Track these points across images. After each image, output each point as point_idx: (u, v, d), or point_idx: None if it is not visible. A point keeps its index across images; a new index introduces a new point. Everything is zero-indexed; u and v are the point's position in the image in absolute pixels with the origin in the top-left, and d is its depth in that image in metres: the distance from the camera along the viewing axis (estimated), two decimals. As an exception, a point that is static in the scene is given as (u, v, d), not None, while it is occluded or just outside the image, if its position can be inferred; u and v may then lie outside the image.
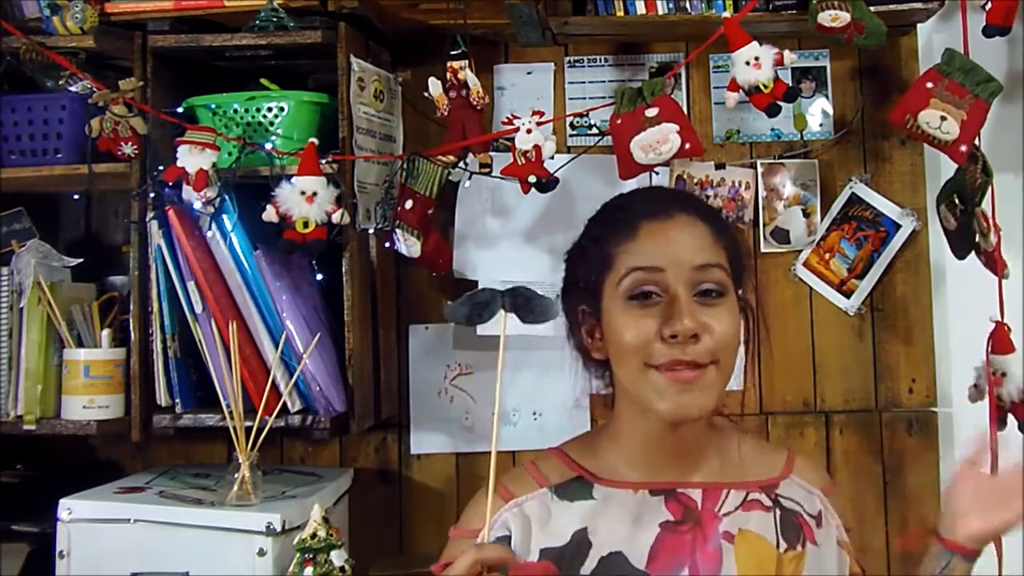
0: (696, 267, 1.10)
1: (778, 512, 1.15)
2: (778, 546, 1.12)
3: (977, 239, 1.65)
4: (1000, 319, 1.66)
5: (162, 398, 1.68)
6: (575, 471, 1.18)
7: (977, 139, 1.65)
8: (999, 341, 1.65)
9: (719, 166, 1.92)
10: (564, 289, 1.23)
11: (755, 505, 1.15)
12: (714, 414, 1.21)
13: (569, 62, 1.96)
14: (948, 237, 1.72)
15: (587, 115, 1.91)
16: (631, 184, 1.74)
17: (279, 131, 1.67)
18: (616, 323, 1.12)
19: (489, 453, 1.04)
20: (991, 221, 1.65)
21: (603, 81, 1.96)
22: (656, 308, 1.10)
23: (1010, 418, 1.66)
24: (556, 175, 1.63)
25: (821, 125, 1.94)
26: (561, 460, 1.20)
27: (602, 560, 1.12)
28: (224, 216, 1.64)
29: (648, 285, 1.11)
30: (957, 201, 1.67)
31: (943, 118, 1.61)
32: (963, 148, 1.62)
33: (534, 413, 1.92)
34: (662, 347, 1.08)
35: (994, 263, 1.65)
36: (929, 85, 1.64)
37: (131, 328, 1.68)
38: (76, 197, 1.91)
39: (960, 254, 1.68)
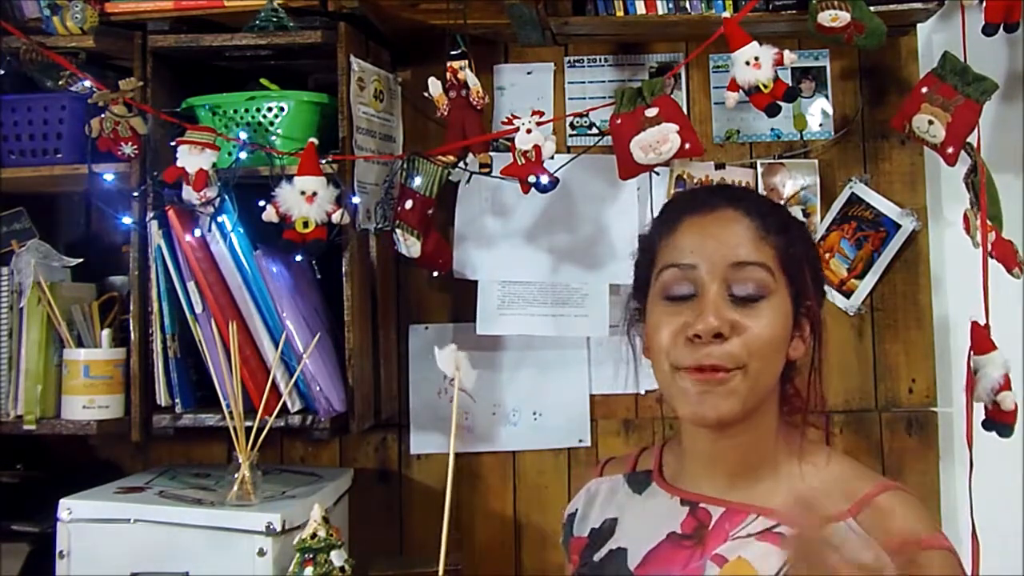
0: (732, 264, 1.04)
1: None
2: None
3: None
4: (986, 318, 1.64)
5: (162, 398, 1.68)
6: (651, 465, 1.19)
7: (976, 138, 1.65)
8: (978, 341, 1.64)
9: (719, 166, 1.92)
10: (632, 287, 1.19)
11: (774, 538, 1.03)
12: (805, 424, 1.12)
13: (569, 62, 1.96)
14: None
15: (587, 115, 1.91)
16: (632, 184, 1.74)
17: (279, 131, 1.67)
18: (651, 322, 1.08)
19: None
20: (970, 220, 1.66)
21: (603, 81, 1.95)
22: (687, 306, 1.05)
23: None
24: (556, 175, 1.63)
25: (821, 125, 1.94)
26: (654, 452, 1.21)
27: (611, 552, 1.13)
28: (224, 216, 1.64)
29: (681, 283, 1.06)
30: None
31: (930, 122, 1.64)
32: (950, 150, 1.64)
33: (534, 413, 1.92)
34: (686, 349, 1.03)
35: (1005, 261, 1.65)
36: (924, 90, 1.66)
37: (131, 328, 1.68)
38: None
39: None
